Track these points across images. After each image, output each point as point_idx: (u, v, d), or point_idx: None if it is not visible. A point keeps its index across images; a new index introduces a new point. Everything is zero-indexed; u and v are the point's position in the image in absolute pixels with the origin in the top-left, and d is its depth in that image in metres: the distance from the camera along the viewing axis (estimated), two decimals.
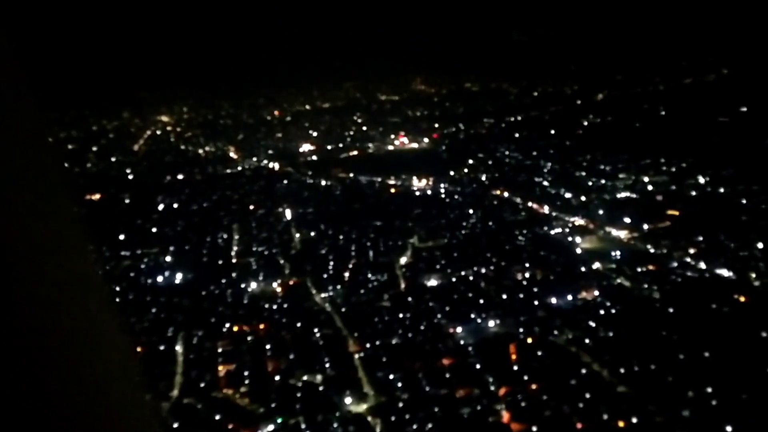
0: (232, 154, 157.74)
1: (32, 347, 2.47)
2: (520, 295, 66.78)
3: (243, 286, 74.21)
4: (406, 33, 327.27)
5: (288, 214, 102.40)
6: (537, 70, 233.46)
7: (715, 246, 73.46)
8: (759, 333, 54.56)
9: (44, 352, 2.51)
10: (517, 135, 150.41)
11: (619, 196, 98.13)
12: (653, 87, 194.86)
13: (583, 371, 52.32)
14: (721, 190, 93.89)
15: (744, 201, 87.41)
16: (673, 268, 70.59)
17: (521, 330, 59.83)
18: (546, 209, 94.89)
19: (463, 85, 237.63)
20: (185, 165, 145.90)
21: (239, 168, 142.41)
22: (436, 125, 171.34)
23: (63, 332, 2.60)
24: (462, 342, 59.00)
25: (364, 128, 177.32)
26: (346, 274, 75.78)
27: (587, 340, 56.93)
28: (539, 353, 55.48)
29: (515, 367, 54.08)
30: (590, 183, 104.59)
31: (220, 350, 59.59)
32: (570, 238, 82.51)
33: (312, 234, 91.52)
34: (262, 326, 63.99)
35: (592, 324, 59.41)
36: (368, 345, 59.03)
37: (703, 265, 70.11)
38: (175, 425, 46.61)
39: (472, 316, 62.86)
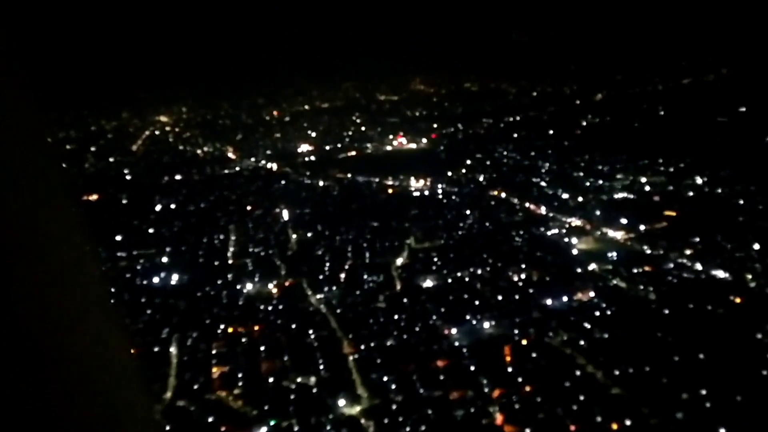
0: (231, 155, 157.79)
1: (32, 347, 2.47)
2: (516, 296, 66.66)
3: (239, 287, 74.10)
4: (406, 33, 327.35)
5: (285, 214, 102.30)
6: (536, 70, 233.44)
7: (712, 247, 73.28)
8: (754, 334, 54.34)
9: (44, 352, 2.50)
10: (515, 135, 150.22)
11: (616, 196, 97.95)
12: (652, 87, 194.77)
13: (578, 373, 52.17)
14: (719, 190, 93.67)
15: (741, 202, 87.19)
16: (669, 269, 70.39)
17: (516, 331, 59.66)
18: (543, 210, 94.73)
19: (463, 85, 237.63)
20: (183, 165, 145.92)
21: (237, 168, 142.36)
22: (435, 125, 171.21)
23: (62, 332, 2.60)
24: (457, 343, 58.83)
25: (363, 128, 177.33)
26: (342, 275, 75.66)
27: (582, 342, 56.72)
28: (534, 355, 55.31)
29: (509, 369, 53.86)
30: (588, 183, 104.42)
31: (214, 352, 59.45)
32: (566, 239, 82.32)
33: (309, 235, 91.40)
34: (257, 327, 63.87)
35: (587, 325, 59.24)
36: (363, 346, 58.88)
37: (699, 266, 69.94)
38: (168, 428, 46.47)
39: (468, 317, 62.70)
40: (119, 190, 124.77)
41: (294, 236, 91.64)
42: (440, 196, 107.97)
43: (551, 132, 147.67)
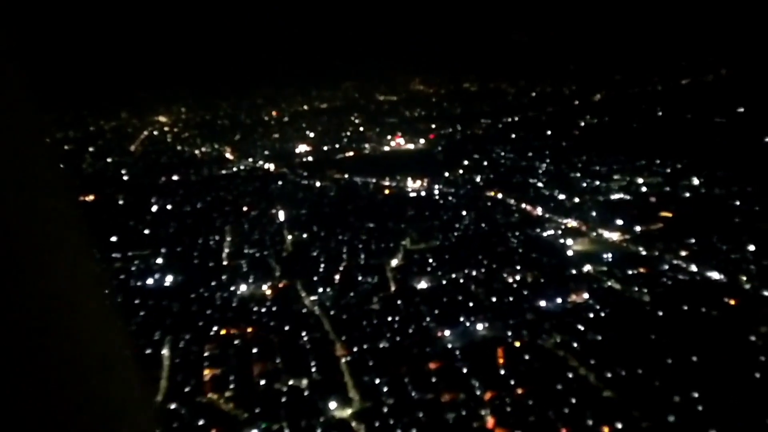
0: (228, 155, 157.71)
1: (31, 347, 2.48)
2: (510, 298, 66.45)
3: (233, 288, 73.91)
4: (406, 33, 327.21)
5: (281, 215, 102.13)
6: (536, 70, 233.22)
7: (707, 248, 73.03)
8: (747, 337, 54.18)
9: (43, 352, 2.51)
10: (513, 136, 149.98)
11: (612, 197, 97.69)
12: (651, 87, 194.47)
13: (570, 375, 51.96)
14: (716, 191, 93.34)
15: (738, 203, 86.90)
16: (664, 270, 70.15)
17: (509, 333, 59.42)
18: (539, 211, 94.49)
19: (462, 86, 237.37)
20: (181, 166, 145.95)
21: (235, 169, 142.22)
22: (433, 126, 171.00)
23: (62, 332, 2.60)
24: (449, 345, 58.62)
25: (361, 129, 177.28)
26: (337, 277, 75.46)
27: (575, 344, 56.49)
28: (527, 357, 55.10)
29: (502, 372, 53.64)
30: (584, 184, 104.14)
31: (206, 354, 59.26)
32: (562, 240, 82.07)
33: (304, 236, 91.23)
34: (250, 329, 63.70)
35: (581, 327, 59.00)
36: (355, 349, 58.67)
37: (694, 268, 69.69)
38: (157, 431, 46.24)
39: (461, 319, 62.49)
40: (116, 191, 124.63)
41: (289, 237, 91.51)
42: (437, 197, 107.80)
43: (549, 132, 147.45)
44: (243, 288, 74.11)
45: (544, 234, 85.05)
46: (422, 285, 72.11)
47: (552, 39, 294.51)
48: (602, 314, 61.53)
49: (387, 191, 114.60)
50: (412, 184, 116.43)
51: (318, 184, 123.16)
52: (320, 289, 72.04)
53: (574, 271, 71.61)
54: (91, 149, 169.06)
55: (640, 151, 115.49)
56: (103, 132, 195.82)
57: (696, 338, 54.59)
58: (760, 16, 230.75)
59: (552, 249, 79.50)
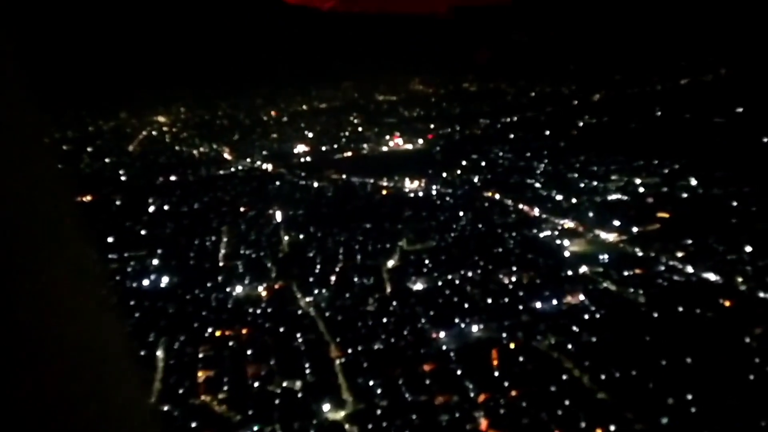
0: (227, 155, 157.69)
1: (31, 346, 2.47)
2: (505, 299, 66.25)
3: (228, 289, 73.75)
4: (406, 33, 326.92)
5: (278, 216, 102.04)
6: (535, 70, 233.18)
7: (704, 249, 72.86)
8: (742, 338, 54.01)
9: (43, 351, 2.51)
10: (511, 136, 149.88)
11: (610, 198, 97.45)
12: (650, 87, 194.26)
13: (564, 377, 51.81)
14: (713, 192, 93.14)
15: (735, 203, 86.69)
16: (660, 271, 70.01)
17: (504, 335, 59.25)
18: (536, 211, 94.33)
19: (461, 86, 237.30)
20: (179, 166, 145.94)
21: (232, 169, 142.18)
22: (432, 126, 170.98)
23: (62, 331, 2.60)
24: (444, 347, 58.46)
25: (360, 129, 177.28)
26: (333, 278, 75.34)
27: (570, 346, 56.32)
28: (521, 359, 54.95)
29: (496, 373, 53.51)
30: (582, 185, 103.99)
31: (201, 356, 59.13)
32: (558, 241, 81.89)
33: (301, 236, 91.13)
34: (244, 331, 63.58)
35: (576, 329, 58.87)
36: (350, 350, 58.55)
37: (690, 269, 69.51)
38: None
39: (456, 320, 62.34)
40: (113, 191, 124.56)
41: (286, 238, 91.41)
42: (434, 198, 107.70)
43: (548, 132, 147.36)
44: (239, 289, 73.98)
45: (541, 235, 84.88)
46: (418, 286, 71.98)
47: (552, 39, 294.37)
48: (597, 316, 61.37)
49: (384, 192, 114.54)
50: (410, 185, 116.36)
51: (316, 184, 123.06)
52: (316, 290, 71.93)
53: (570, 272, 71.42)
54: (89, 149, 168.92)
55: (638, 152, 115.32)
56: (102, 132, 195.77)
57: (691, 340, 54.41)
58: (759, 16, 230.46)
59: (548, 250, 79.34)
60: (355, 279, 74.26)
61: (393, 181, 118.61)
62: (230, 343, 61.28)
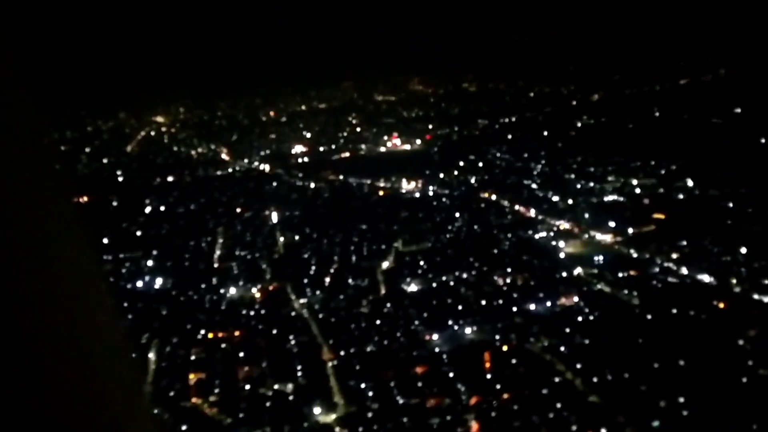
0: (225, 156, 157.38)
1: (31, 347, 2.44)
2: (500, 301, 66.14)
3: (222, 291, 73.68)
4: (406, 33, 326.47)
5: (274, 217, 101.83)
6: (535, 70, 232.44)
7: (699, 251, 72.64)
8: (736, 341, 53.86)
9: (43, 352, 2.48)
10: (510, 136, 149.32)
11: (606, 199, 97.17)
12: (649, 87, 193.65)
13: (556, 380, 51.71)
14: (710, 193, 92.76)
15: (731, 204, 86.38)
16: (654, 273, 69.87)
17: (497, 337, 59.14)
18: (532, 212, 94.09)
19: (461, 86, 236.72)
20: (176, 167, 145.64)
21: (230, 170, 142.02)
22: (430, 126, 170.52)
23: (62, 332, 2.56)
24: (437, 350, 58.35)
25: (358, 129, 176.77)
26: (327, 279, 75.21)
27: (563, 348, 56.22)
28: (513, 361, 54.84)
29: (488, 376, 53.43)
30: (578, 186, 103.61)
31: (192, 358, 59.10)
32: (554, 243, 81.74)
33: (296, 238, 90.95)
34: (237, 333, 63.49)
35: (569, 331, 58.71)
36: (342, 353, 58.45)
37: (684, 271, 69.31)
38: None
39: (450, 322, 62.19)
40: (110, 192, 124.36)
41: (281, 239, 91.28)
42: (431, 199, 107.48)
43: (546, 133, 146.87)
44: (233, 291, 73.89)
45: (537, 236, 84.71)
46: (412, 288, 71.86)
47: (552, 39, 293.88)
48: (591, 318, 61.27)
49: (381, 192, 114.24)
50: (407, 186, 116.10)
51: (312, 185, 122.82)
52: (310, 292, 71.81)
53: (564, 274, 71.27)
54: (87, 150, 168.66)
55: (636, 152, 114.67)
56: (101, 132, 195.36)
57: (684, 342, 54.27)
58: (759, 16, 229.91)
59: (544, 251, 79.17)
60: (350, 281, 74.11)
61: (390, 182, 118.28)
62: (222, 345, 61.18)
